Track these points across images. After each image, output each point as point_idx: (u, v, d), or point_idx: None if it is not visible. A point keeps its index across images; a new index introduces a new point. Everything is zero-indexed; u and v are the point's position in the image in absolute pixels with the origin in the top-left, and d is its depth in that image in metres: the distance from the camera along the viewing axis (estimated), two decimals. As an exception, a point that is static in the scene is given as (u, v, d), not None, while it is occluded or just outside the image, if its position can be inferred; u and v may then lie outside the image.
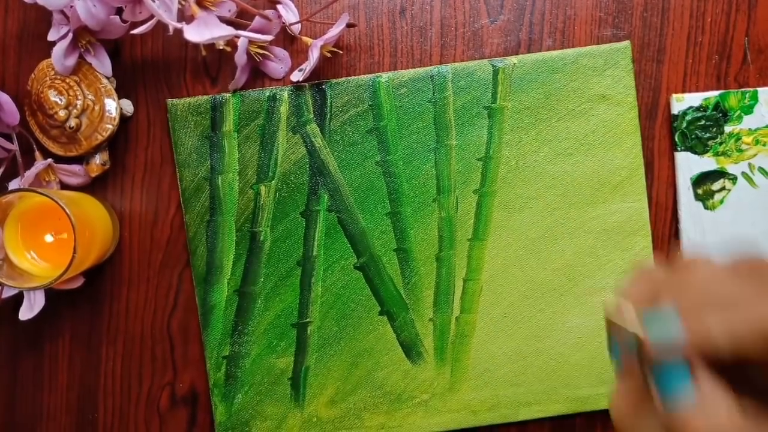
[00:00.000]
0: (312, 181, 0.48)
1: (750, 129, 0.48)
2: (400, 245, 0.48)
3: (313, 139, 0.48)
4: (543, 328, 0.49)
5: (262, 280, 0.49)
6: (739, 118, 0.48)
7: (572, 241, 0.48)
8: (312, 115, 0.48)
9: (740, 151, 0.48)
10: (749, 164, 0.49)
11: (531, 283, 0.49)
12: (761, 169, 0.49)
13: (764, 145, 0.48)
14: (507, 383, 0.49)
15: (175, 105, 0.48)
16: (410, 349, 0.49)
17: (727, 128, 0.48)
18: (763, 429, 0.22)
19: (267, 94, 0.48)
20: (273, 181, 0.48)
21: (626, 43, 0.48)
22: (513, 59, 0.48)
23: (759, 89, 0.48)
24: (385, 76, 0.48)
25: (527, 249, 0.48)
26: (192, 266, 0.48)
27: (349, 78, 0.48)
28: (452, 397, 0.49)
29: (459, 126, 0.48)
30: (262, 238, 0.48)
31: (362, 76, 0.48)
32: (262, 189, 0.48)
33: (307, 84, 0.48)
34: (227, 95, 0.48)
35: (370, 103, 0.48)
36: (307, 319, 0.49)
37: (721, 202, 0.49)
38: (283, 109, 0.48)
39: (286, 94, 0.48)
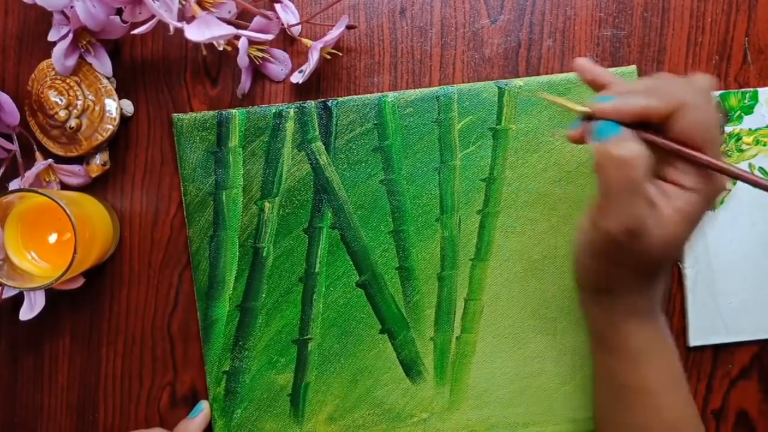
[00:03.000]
0: (316, 198, 0.48)
1: (750, 129, 0.48)
2: (402, 264, 0.49)
3: (318, 157, 0.48)
4: (542, 349, 0.49)
5: (263, 295, 0.49)
6: (740, 119, 0.48)
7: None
8: (317, 133, 0.48)
9: (740, 151, 0.48)
10: (749, 164, 0.49)
11: (532, 304, 0.49)
12: (761, 169, 0.49)
13: (764, 145, 0.48)
14: (506, 403, 0.49)
15: (180, 120, 0.48)
16: (410, 368, 0.49)
17: (728, 128, 0.48)
18: (648, 161, 0.34)
19: (273, 110, 0.48)
20: (277, 198, 0.48)
21: (633, 67, 0.48)
22: (519, 81, 0.48)
23: (759, 89, 0.48)
24: (391, 96, 0.48)
25: (529, 270, 0.48)
26: (194, 280, 0.49)
27: (354, 96, 0.48)
28: (451, 417, 0.49)
29: (463, 146, 0.48)
30: (264, 253, 0.48)
31: (368, 95, 0.48)
32: (266, 205, 0.48)
33: (313, 102, 0.48)
34: (233, 111, 0.48)
35: (375, 122, 0.48)
36: (308, 336, 0.49)
37: (722, 202, 0.49)
38: (289, 126, 0.48)
39: (292, 112, 0.48)
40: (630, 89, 0.36)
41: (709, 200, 0.36)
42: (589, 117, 0.37)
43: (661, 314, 0.41)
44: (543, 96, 0.42)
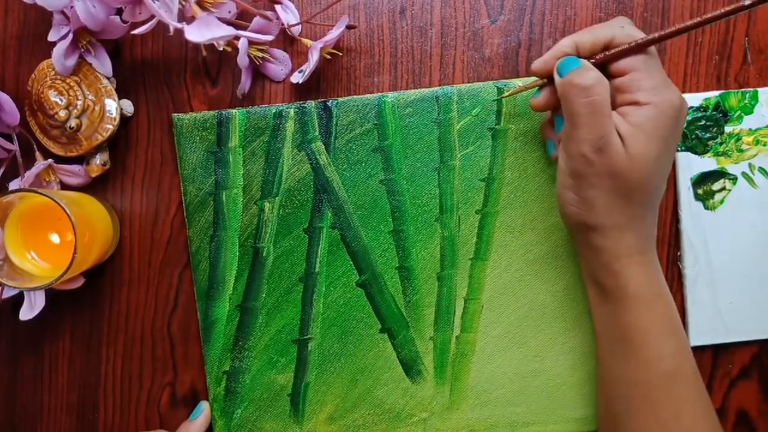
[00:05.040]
0: (316, 198, 0.48)
1: (750, 129, 0.48)
2: (402, 263, 0.49)
3: (318, 157, 0.48)
4: (542, 348, 0.49)
5: (263, 295, 0.49)
6: (740, 118, 0.48)
7: (572, 262, 0.48)
8: (317, 133, 0.48)
9: (740, 151, 0.49)
10: (749, 164, 0.49)
11: (531, 303, 0.49)
12: (761, 169, 0.49)
13: (764, 145, 0.48)
14: (506, 403, 0.49)
15: (180, 120, 0.48)
16: (410, 368, 0.49)
17: (728, 128, 0.48)
18: (606, 84, 0.39)
19: (273, 110, 0.48)
20: (277, 198, 0.48)
21: None
22: (518, 81, 0.48)
23: (759, 89, 0.48)
24: (390, 96, 0.48)
25: (528, 270, 0.49)
26: (194, 280, 0.49)
27: (354, 97, 0.48)
28: (451, 416, 0.49)
29: (463, 146, 0.48)
30: (264, 253, 0.48)
31: (368, 95, 0.48)
32: (266, 205, 0.48)
33: (313, 102, 0.48)
34: (233, 111, 0.48)
35: (375, 122, 0.48)
36: (308, 336, 0.49)
37: (722, 202, 0.49)
38: (289, 126, 0.48)
39: (292, 112, 0.48)
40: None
41: (667, 114, 0.39)
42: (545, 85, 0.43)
43: (655, 262, 0.42)
44: (504, 96, 0.47)
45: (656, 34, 0.39)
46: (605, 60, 0.40)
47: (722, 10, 0.37)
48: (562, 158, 0.41)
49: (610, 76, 0.40)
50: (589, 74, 0.39)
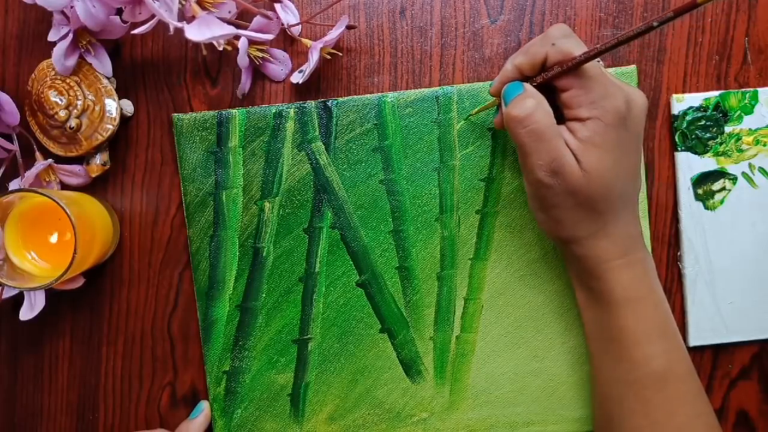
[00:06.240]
0: (316, 198, 0.48)
1: (750, 129, 0.48)
2: (402, 263, 0.49)
3: (318, 157, 0.48)
4: (542, 348, 0.49)
5: (263, 295, 0.49)
6: (740, 118, 0.48)
7: None
8: (317, 133, 0.48)
9: (740, 151, 0.49)
10: (749, 164, 0.49)
11: (531, 303, 0.49)
12: (761, 169, 0.49)
13: (764, 145, 0.48)
14: (506, 403, 0.49)
15: (181, 120, 0.48)
16: (410, 367, 0.49)
17: (728, 128, 0.48)
18: (545, 107, 0.39)
19: (273, 110, 0.48)
20: (277, 198, 0.48)
21: (632, 67, 0.48)
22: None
23: (759, 89, 0.48)
24: (390, 96, 0.48)
25: (528, 269, 0.49)
26: (194, 280, 0.49)
27: (354, 97, 0.48)
28: (451, 416, 0.49)
29: (463, 146, 0.48)
30: (264, 253, 0.48)
31: (368, 95, 0.48)
32: (266, 205, 0.48)
33: (313, 102, 0.48)
34: (233, 111, 0.48)
35: (375, 122, 0.48)
36: (308, 336, 0.49)
37: (722, 202, 0.49)
38: (289, 126, 0.48)
39: (292, 112, 0.48)
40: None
41: (612, 123, 0.38)
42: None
43: (643, 260, 0.42)
44: (472, 116, 0.48)
45: (581, 56, 0.38)
46: (543, 82, 0.40)
47: (635, 30, 0.36)
48: (526, 186, 0.42)
49: (558, 89, 0.40)
50: (524, 104, 0.39)
